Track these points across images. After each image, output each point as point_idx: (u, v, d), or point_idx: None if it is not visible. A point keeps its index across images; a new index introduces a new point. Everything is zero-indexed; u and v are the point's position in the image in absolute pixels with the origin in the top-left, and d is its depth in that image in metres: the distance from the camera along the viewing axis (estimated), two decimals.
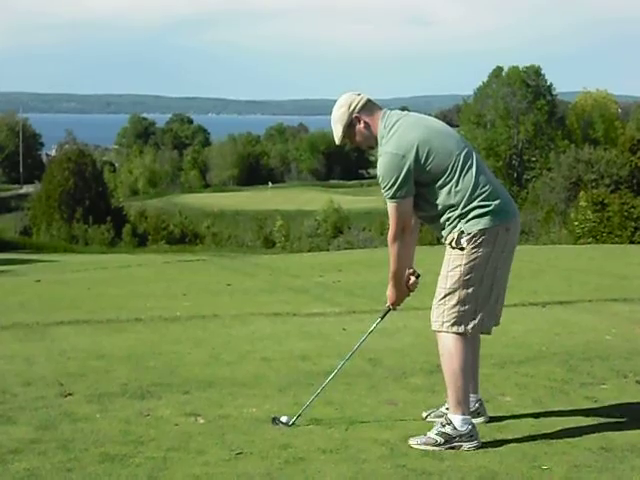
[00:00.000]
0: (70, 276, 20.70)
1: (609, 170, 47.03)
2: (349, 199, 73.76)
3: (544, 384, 6.29)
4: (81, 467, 4.61)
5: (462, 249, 4.96)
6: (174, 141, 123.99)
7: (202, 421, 5.44)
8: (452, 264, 5.00)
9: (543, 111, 75.02)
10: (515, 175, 72.44)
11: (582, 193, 38.80)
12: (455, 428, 4.94)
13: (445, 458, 4.75)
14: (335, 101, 5.25)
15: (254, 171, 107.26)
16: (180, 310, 10.79)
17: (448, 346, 5.01)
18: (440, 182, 4.98)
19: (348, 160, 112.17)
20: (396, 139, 5.00)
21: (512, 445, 4.94)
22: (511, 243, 5.08)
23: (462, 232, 4.95)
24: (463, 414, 4.99)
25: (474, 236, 4.94)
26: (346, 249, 38.66)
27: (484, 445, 4.94)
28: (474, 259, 4.95)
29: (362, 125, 5.15)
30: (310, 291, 13.62)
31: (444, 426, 4.97)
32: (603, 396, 5.98)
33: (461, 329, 5.00)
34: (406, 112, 5.24)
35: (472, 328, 5.02)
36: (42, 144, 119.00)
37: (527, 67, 77.06)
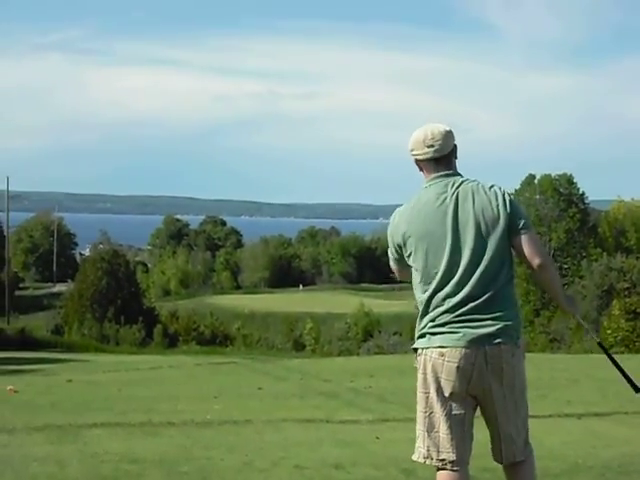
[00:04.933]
0: (101, 376, 20.76)
1: None
2: (380, 302, 73.57)
3: None
4: None
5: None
6: (207, 242, 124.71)
7: None
8: (523, 373, 4.52)
9: (575, 219, 75.08)
10: None
11: (615, 301, 38.63)
12: None
13: None
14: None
15: (285, 273, 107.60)
16: (211, 414, 10.78)
17: (534, 464, 4.60)
18: None
19: (379, 263, 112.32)
20: None
21: None
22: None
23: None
24: None
25: None
26: (376, 353, 38.55)
27: None
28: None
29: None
30: (341, 396, 13.58)
31: None
32: None
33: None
34: None
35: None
36: (76, 243, 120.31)
37: (559, 175, 77.38)
